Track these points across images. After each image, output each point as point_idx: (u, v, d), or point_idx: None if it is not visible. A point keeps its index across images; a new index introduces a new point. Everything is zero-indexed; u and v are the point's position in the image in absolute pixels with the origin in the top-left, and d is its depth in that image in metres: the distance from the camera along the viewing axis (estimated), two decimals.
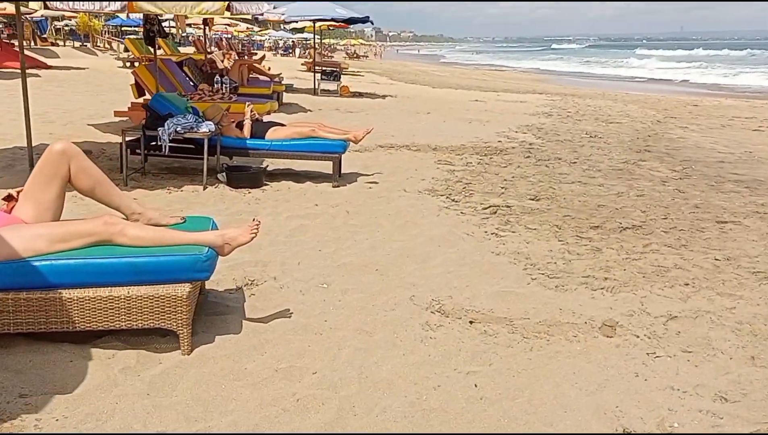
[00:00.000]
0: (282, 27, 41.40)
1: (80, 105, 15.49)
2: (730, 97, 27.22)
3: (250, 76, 19.46)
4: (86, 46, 49.91)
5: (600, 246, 5.93)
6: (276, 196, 7.40)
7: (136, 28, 64.74)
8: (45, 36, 51.78)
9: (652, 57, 75.55)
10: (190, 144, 8.08)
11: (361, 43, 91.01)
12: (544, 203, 7.54)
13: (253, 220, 4.03)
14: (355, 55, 67.84)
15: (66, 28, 56.88)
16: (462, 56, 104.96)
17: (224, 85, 13.08)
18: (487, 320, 4.26)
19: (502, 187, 8.27)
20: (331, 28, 32.94)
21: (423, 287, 4.80)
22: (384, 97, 20.84)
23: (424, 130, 13.54)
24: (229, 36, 63.21)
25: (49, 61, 29.48)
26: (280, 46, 68.37)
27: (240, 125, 8.35)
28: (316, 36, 37.61)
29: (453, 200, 7.50)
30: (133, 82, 11.99)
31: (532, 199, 7.70)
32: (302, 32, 55.45)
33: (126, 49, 30.02)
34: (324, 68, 23.77)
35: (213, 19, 16.02)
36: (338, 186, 7.96)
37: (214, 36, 57.64)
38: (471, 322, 4.22)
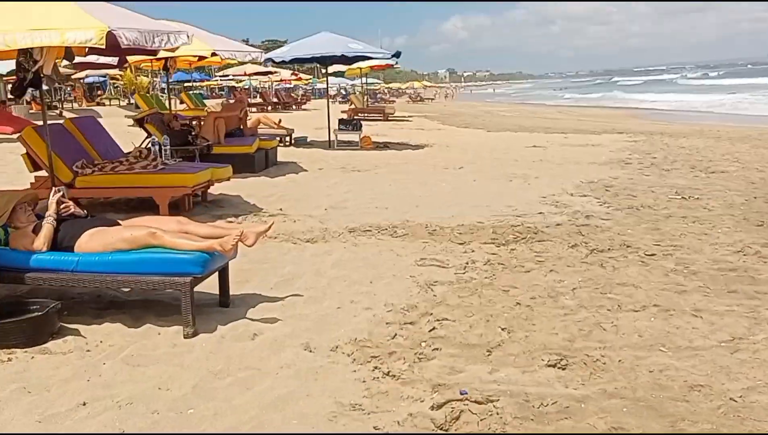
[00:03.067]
0: (323, 73, 38.48)
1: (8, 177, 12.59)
2: None
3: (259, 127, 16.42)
4: (132, 104, 48.69)
5: None
6: (33, 376, 3.92)
7: (198, 83, 64.38)
8: (97, 96, 51.20)
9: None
10: None
11: (426, 85, 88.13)
12: (574, 379, 3.79)
13: None
14: (419, 99, 64.89)
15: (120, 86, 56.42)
16: (541, 93, 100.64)
17: (162, 149, 9.85)
18: None
19: (504, 329, 4.56)
20: (374, 69, 30.04)
21: None
22: (416, 147, 17.34)
23: (437, 196, 9.93)
24: (291, 86, 61.62)
25: None
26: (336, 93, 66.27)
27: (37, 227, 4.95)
28: (362, 79, 34.83)
29: (386, 374, 3.85)
30: (25, 151, 8.86)
31: (552, 365, 3.97)
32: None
33: (137, 106, 27.71)
34: (349, 117, 20.62)
35: (175, 60, 12.91)
36: (194, 334, 4.44)
37: (277, 87, 55.98)
38: None
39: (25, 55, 8.05)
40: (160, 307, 4.93)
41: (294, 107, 42.89)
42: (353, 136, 17.24)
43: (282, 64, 17.32)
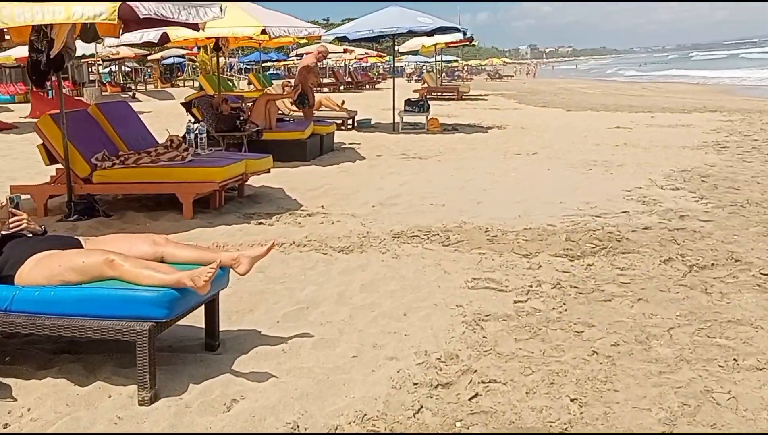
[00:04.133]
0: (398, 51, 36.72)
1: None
2: None
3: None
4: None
5: None
6: None
7: (272, 63, 64.15)
8: (176, 77, 51.48)
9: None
10: None
11: (506, 62, 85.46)
12: None
13: None
14: (497, 76, 62.73)
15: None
16: (624, 69, 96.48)
17: (198, 136, 8.81)
18: None
19: (574, 400, 3.24)
20: (450, 45, 28.57)
21: None
22: (488, 129, 15.89)
23: (503, 190, 8.58)
24: (368, 65, 60.48)
25: (160, 103, 27.42)
26: (413, 71, 64.78)
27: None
28: (438, 56, 33.34)
29: None
30: (41, 142, 7.94)
31: None
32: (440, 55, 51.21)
33: (201, 87, 27.06)
34: (421, 96, 19.35)
35: (227, 38, 11.85)
36: (152, 399, 3.28)
37: (355, 65, 54.98)
38: None
39: (38, 33, 7.13)
40: (125, 353, 3.79)
41: (368, 86, 41.73)
42: (420, 118, 15.93)
43: (345, 41, 16.07)
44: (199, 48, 43.00)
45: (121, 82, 43.72)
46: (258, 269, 5.30)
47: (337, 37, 15.93)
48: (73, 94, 28.93)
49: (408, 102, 16.24)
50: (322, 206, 7.75)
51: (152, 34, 9.47)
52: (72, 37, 6.89)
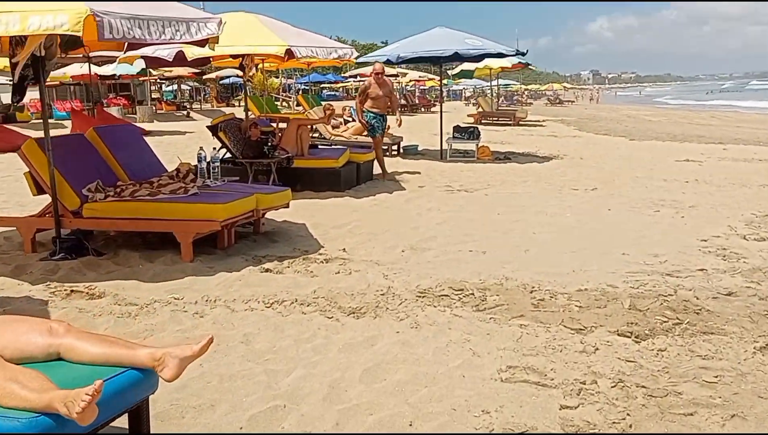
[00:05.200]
0: (450, 75, 35.39)
1: None
2: None
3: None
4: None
5: None
6: None
7: (327, 85, 63.98)
8: (233, 96, 51.56)
9: None
10: None
11: (567, 87, 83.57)
12: None
13: None
14: (557, 101, 61.07)
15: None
16: (690, 96, 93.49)
17: (210, 165, 7.83)
18: None
19: None
20: (505, 70, 27.40)
21: None
22: (544, 159, 14.62)
23: (556, 235, 7.35)
24: (426, 87, 59.60)
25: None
26: (471, 95, 63.61)
27: None
28: (494, 80, 32.16)
29: None
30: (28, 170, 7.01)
31: None
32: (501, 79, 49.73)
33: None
34: (476, 121, 18.21)
35: (252, 58, 10.89)
36: None
37: (410, 88, 54.14)
38: None
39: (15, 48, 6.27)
40: None
41: (423, 109, 40.76)
42: (470, 146, 14.77)
43: (390, 63, 15.01)
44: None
45: (178, 100, 43.82)
46: (242, 339, 4.30)
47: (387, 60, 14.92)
48: (124, 114, 28.62)
49: (457, 128, 15.10)
50: (344, 249, 6.68)
51: (166, 51, 8.58)
52: (53, 51, 5.98)
